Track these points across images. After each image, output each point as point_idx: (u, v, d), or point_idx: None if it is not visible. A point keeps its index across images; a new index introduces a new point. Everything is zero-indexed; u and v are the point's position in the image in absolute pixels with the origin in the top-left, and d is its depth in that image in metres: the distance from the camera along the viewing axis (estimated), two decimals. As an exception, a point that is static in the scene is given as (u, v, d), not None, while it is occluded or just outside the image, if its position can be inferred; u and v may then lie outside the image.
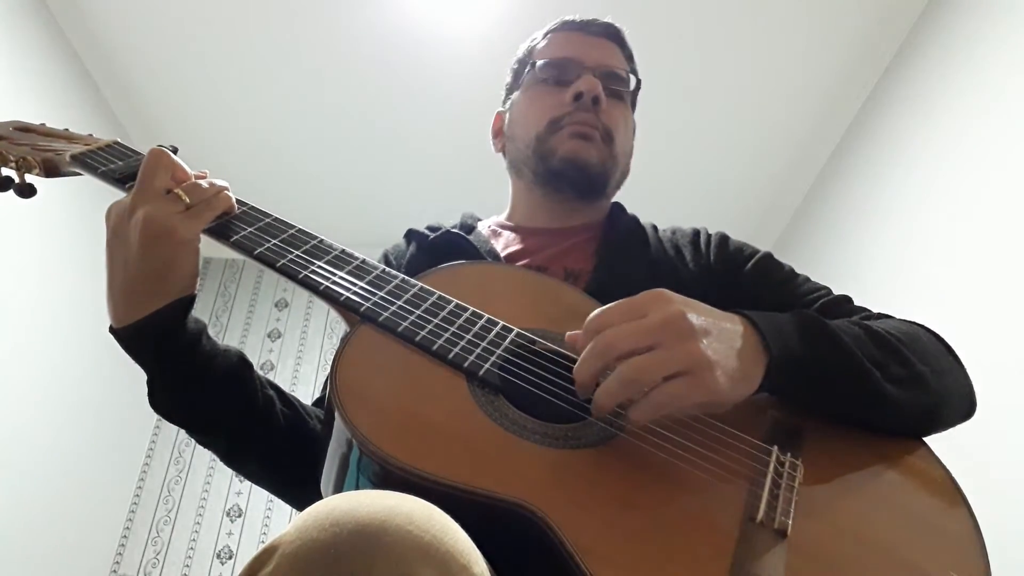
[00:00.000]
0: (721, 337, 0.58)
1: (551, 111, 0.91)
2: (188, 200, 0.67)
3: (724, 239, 0.92)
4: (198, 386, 0.70)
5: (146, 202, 0.66)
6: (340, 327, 2.89)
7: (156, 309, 0.67)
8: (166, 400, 0.71)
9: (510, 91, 1.03)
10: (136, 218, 0.65)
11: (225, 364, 0.72)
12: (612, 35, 0.98)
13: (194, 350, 0.69)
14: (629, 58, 1.00)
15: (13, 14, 2.12)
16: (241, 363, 0.73)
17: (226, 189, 0.73)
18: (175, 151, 0.71)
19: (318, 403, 0.85)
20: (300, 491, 0.78)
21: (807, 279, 0.88)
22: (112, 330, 0.69)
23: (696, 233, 0.93)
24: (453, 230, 0.93)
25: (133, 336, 0.68)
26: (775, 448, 0.61)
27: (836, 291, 0.86)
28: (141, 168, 0.68)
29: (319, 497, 0.77)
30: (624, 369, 0.55)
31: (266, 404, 0.75)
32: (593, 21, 0.98)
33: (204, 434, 0.73)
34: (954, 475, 0.64)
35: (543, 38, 0.99)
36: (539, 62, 0.95)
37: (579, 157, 0.89)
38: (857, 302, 0.85)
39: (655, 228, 0.96)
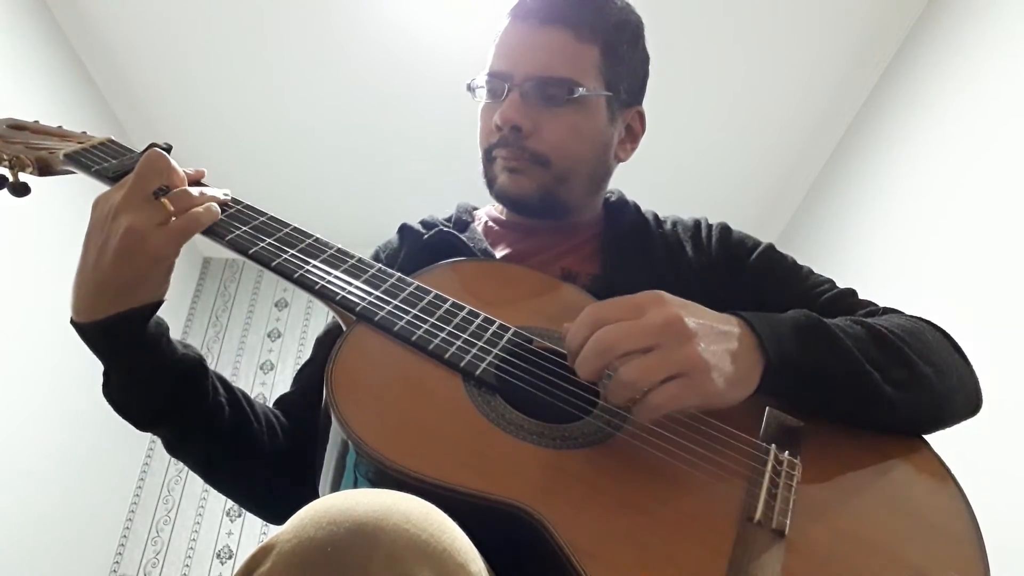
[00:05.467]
0: (718, 340, 0.58)
1: (486, 139, 0.87)
2: (173, 209, 0.64)
3: (726, 230, 0.90)
4: (147, 388, 0.69)
5: (131, 209, 0.63)
6: (340, 327, 2.89)
7: (118, 312, 0.65)
8: (117, 394, 0.70)
9: None
10: (118, 224, 0.63)
11: (176, 372, 0.70)
12: (562, 18, 0.82)
13: (152, 353, 0.68)
14: (588, 37, 0.83)
15: (13, 14, 2.11)
16: (194, 371, 0.71)
17: (216, 200, 0.70)
18: (169, 149, 0.69)
19: (278, 402, 0.84)
20: (235, 492, 0.79)
21: (811, 271, 0.87)
22: (71, 321, 0.68)
23: (697, 225, 0.91)
24: (446, 228, 0.90)
25: (89, 332, 0.67)
26: (773, 447, 0.61)
27: (838, 284, 0.85)
28: (136, 170, 0.65)
29: (266, 497, 0.78)
30: (623, 372, 0.56)
31: (214, 412, 0.73)
32: (544, 3, 0.84)
33: (144, 429, 0.72)
34: (954, 473, 0.64)
35: (501, 29, 0.88)
36: (482, 74, 0.87)
37: (510, 193, 0.85)
38: (859, 295, 0.84)
39: (656, 219, 0.93)
